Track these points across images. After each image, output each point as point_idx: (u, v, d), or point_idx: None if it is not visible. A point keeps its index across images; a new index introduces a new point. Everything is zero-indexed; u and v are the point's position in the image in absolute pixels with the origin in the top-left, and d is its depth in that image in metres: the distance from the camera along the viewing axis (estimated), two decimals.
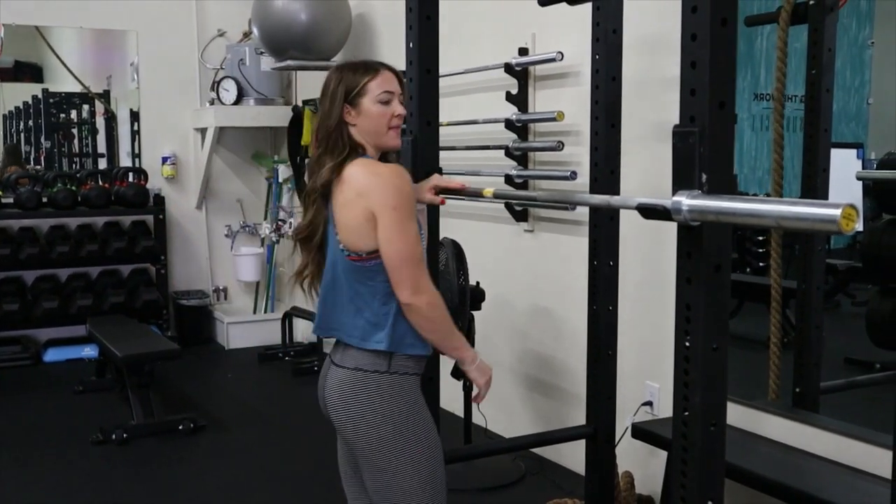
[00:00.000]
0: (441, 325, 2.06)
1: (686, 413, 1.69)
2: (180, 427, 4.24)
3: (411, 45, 2.51)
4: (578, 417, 3.59)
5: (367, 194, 2.00)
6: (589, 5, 2.95)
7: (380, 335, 2.04)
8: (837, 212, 1.26)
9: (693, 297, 1.64)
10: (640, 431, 3.02)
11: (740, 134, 3.35)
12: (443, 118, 2.66)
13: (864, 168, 3.28)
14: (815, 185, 3.12)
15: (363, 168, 2.05)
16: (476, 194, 2.26)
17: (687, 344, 1.66)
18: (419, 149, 2.50)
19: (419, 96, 2.49)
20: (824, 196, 3.17)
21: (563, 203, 2.13)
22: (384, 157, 2.18)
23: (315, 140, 2.12)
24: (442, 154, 2.63)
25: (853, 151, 3.30)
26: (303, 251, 2.17)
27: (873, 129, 3.19)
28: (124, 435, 4.12)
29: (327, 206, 2.07)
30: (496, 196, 2.28)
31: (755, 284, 3.45)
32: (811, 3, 3.08)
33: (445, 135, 2.90)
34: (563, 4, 3.04)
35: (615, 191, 2.81)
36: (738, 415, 2.98)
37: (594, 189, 2.82)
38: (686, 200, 1.53)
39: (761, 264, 3.55)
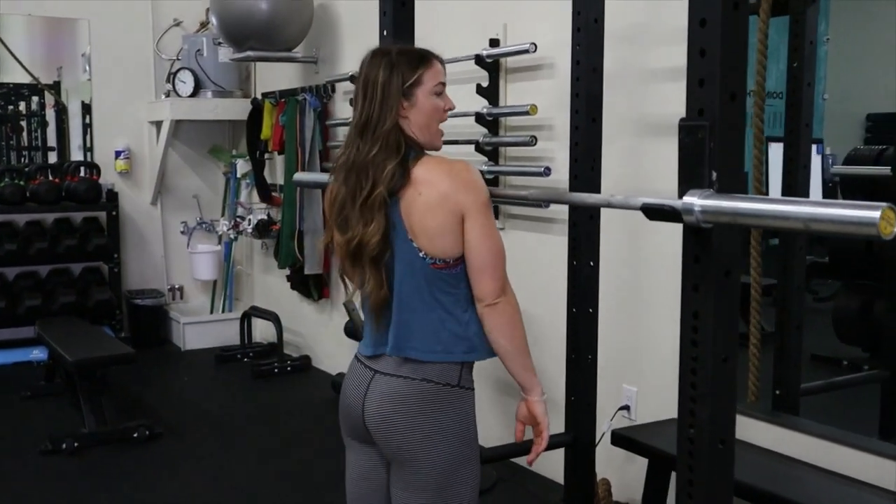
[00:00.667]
0: (521, 332, 1.94)
1: (692, 430, 1.56)
2: (135, 435, 4.03)
3: (385, 32, 2.36)
4: (554, 423, 3.47)
5: (453, 195, 1.84)
6: None
7: (464, 344, 1.91)
8: (877, 214, 1.14)
9: (701, 305, 1.51)
10: (620, 438, 2.89)
11: None
12: None
13: (822, 163, 3.21)
14: (795, 181, 3.04)
15: (440, 167, 1.89)
16: None
17: (694, 355, 1.53)
18: None
19: None
20: (805, 193, 3.09)
21: (556, 202, 1.99)
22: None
23: (358, 136, 1.91)
24: None
25: (813, 147, 3.24)
26: (353, 269, 1.94)
27: (829, 125, 3.15)
28: (75, 444, 3.90)
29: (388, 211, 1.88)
30: None
31: None
32: None
33: None
34: None
35: (596, 188, 2.69)
36: None
37: (574, 186, 2.69)
38: (699, 201, 1.40)
39: None
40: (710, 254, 1.48)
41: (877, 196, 3.03)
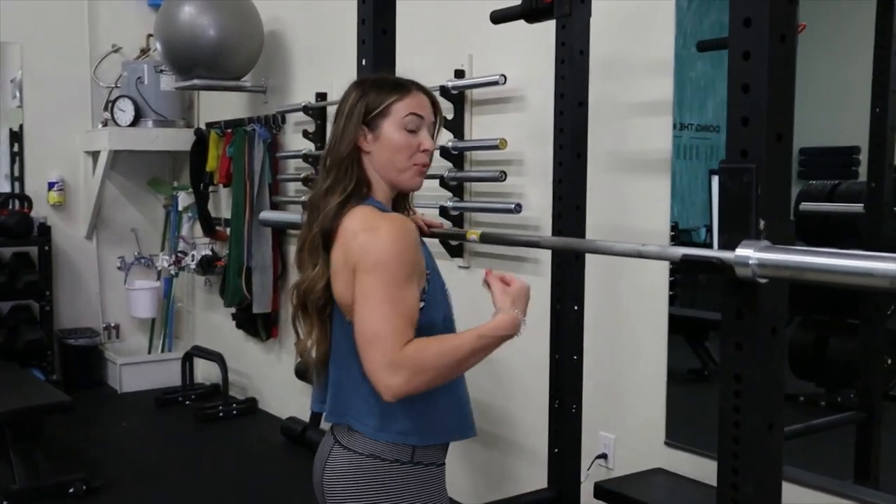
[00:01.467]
0: (445, 367, 1.60)
1: None
2: (71, 490, 3.72)
3: (364, 62, 2.18)
4: (527, 472, 3.29)
5: (353, 253, 1.62)
6: (544, 24, 2.69)
7: (401, 423, 1.65)
8: None
9: (745, 366, 1.35)
10: (605, 492, 2.73)
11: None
12: None
13: None
14: None
15: (359, 220, 1.66)
16: (456, 237, 1.92)
17: (736, 422, 1.37)
18: None
19: None
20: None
21: (578, 250, 1.82)
22: (395, 201, 1.81)
23: (323, 168, 1.74)
24: None
25: None
26: (303, 316, 1.74)
27: None
28: (5, 502, 3.58)
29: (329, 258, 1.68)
30: (484, 239, 1.95)
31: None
32: None
33: None
34: (507, 24, 2.77)
35: (581, 228, 2.54)
36: (693, 465, 2.75)
37: (558, 226, 2.54)
38: (756, 254, 1.24)
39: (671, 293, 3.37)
40: (756, 310, 1.33)
41: (848, 234, 2.98)
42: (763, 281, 1.27)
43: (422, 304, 1.67)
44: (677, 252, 1.37)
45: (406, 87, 1.76)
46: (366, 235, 1.62)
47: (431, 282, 1.74)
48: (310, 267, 1.69)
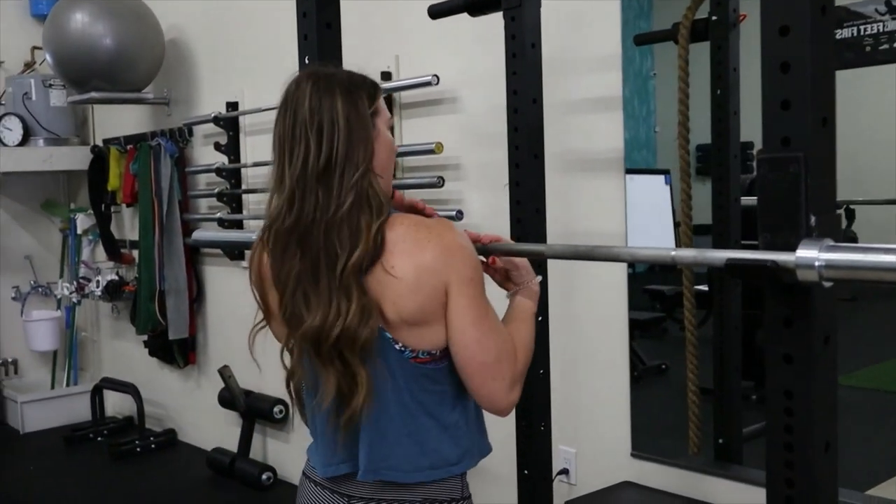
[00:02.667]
0: (528, 362, 1.62)
1: None
2: None
3: (307, 60, 1.95)
4: (492, 494, 3.09)
5: (436, 266, 1.41)
6: (478, 19, 2.51)
7: (453, 451, 1.49)
8: None
9: (796, 381, 1.19)
10: None
11: None
12: None
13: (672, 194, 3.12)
14: (728, 216, 2.85)
15: (415, 229, 1.45)
16: None
17: (788, 443, 1.21)
18: None
19: None
20: (737, 228, 2.91)
21: (596, 259, 1.63)
22: None
23: (317, 182, 1.42)
24: None
25: (661, 177, 3.14)
26: (323, 363, 1.44)
27: (661, 156, 3.07)
28: None
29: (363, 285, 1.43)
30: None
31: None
32: (713, 18, 2.82)
33: None
34: (436, 22, 2.59)
35: (541, 233, 2.37)
36: (662, 476, 2.63)
37: (516, 231, 2.36)
38: (822, 255, 1.08)
39: (658, 305, 3.28)
40: (808, 317, 1.17)
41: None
42: (828, 285, 1.11)
43: None
44: (720, 256, 1.19)
45: (376, 82, 1.59)
46: (441, 244, 1.44)
47: None
48: (335, 305, 1.40)
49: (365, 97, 1.50)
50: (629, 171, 2.87)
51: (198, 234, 2.21)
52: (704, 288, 3.28)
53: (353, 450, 1.51)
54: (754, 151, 2.78)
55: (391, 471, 1.48)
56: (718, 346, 2.91)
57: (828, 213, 1.16)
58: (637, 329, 2.92)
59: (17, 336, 5.37)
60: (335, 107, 1.45)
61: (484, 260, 1.71)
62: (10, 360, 5.43)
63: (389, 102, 3.33)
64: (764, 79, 1.19)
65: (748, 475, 2.57)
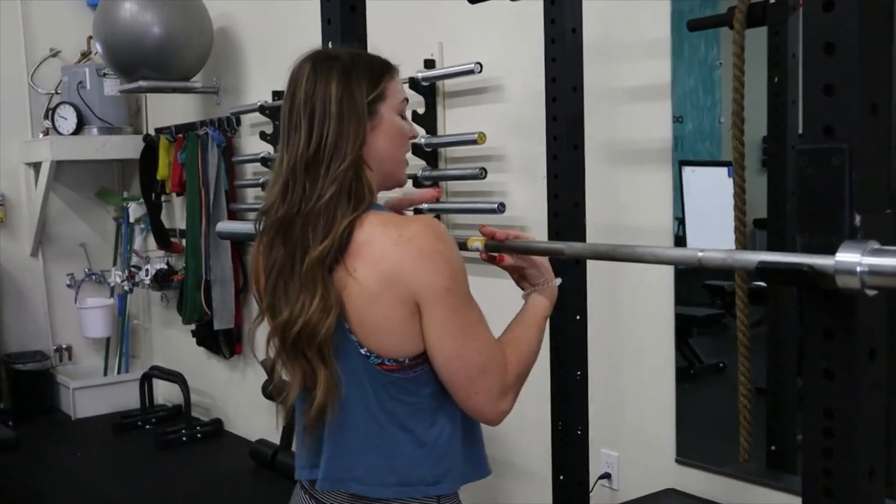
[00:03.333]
0: (528, 368, 1.49)
1: None
2: None
3: (330, 45, 1.86)
4: (525, 496, 2.99)
5: (402, 275, 1.30)
6: (523, 5, 2.41)
7: (430, 470, 1.37)
8: None
9: (838, 399, 1.06)
10: None
11: None
12: None
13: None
14: (784, 211, 2.70)
15: (384, 229, 1.34)
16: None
17: (827, 469, 1.08)
18: None
19: None
20: (794, 224, 2.75)
21: (617, 259, 1.51)
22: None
23: (303, 173, 1.36)
24: None
25: (724, 170, 2.99)
26: (295, 359, 1.37)
27: (725, 148, 2.89)
28: None
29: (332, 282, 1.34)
30: (490, 248, 1.63)
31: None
32: (771, 1, 2.66)
33: None
34: (479, 8, 2.48)
35: (580, 228, 2.25)
36: (708, 484, 2.50)
37: (554, 226, 2.24)
38: (865, 259, 0.95)
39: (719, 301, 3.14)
40: (851, 329, 1.04)
41: None
42: (871, 293, 0.98)
43: None
44: (751, 259, 1.07)
45: (392, 67, 1.48)
46: (412, 249, 1.32)
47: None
48: (301, 298, 1.33)
49: (365, 81, 1.40)
50: (690, 162, 2.75)
51: (220, 226, 2.14)
52: (763, 284, 3.14)
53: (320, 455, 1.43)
54: None
55: (355, 482, 1.39)
56: (773, 346, 2.76)
57: (875, 213, 1.03)
58: (695, 326, 2.81)
59: (72, 323, 5.43)
60: (329, 91, 1.37)
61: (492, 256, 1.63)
62: (64, 346, 5.50)
63: (433, 91, 3.23)
64: (804, 61, 1.06)
65: (797, 484, 2.43)
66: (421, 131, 3.19)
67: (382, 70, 1.45)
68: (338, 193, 1.33)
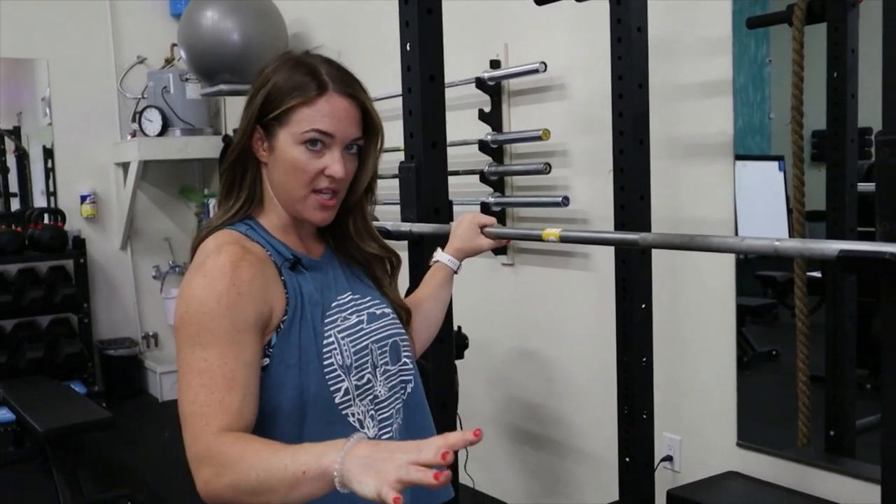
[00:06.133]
0: (258, 489, 1.08)
1: None
2: None
3: (408, 46, 1.87)
4: (587, 478, 2.98)
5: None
6: (585, 7, 2.39)
7: None
8: None
9: None
10: (677, 500, 2.41)
11: None
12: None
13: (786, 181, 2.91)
14: (843, 204, 2.63)
15: (200, 252, 1.24)
16: (529, 238, 1.59)
17: None
18: (423, 179, 1.86)
19: (422, 111, 1.85)
20: (852, 216, 2.68)
21: (697, 249, 1.49)
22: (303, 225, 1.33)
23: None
24: None
25: (775, 164, 2.92)
26: None
27: (775, 143, 2.86)
28: None
29: None
30: (564, 240, 1.63)
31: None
32: None
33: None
34: (543, 10, 2.46)
35: (647, 220, 2.22)
36: (768, 467, 2.45)
37: (620, 218, 2.22)
38: None
39: (770, 291, 3.08)
40: None
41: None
42: None
43: (265, 362, 1.21)
44: (831, 248, 1.05)
45: (319, 86, 1.22)
46: (187, 276, 1.21)
47: (286, 334, 1.22)
48: None
49: (260, 99, 1.24)
50: (741, 157, 2.71)
51: None
52: (817, 274, 3.07)
53: None
54: (872, 137, 2.56)
55: None
56: (832, 334, 2.69)
57: None
58: (748, 315, 2.75)
59: (158, 311, 5.56)
60: (251, 88, 1.29)
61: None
62: (151, 333, 5.62)
63: (498, 90, 3.22)
64: (885, 53, 1.03)
65: (861, 470, 2.37)
66: (486, 130, 3.19)
67: (295, 87, 1.23)
68: (224, 195, 1.30)
